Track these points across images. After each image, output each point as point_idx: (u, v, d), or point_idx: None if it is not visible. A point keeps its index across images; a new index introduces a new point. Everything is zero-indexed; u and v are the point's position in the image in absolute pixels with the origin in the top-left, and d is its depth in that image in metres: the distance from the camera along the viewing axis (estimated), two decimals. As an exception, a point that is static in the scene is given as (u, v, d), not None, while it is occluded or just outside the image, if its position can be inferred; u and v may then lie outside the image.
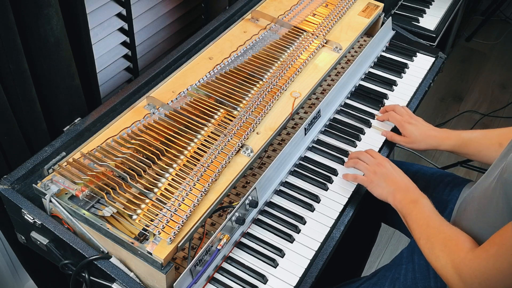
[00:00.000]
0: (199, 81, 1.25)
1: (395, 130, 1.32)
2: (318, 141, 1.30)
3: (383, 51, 1.58)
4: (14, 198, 0.99)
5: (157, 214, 0.95)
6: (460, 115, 2.71)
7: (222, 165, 1.07)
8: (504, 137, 1.14)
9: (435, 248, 0.96)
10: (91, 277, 0.95)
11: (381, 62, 1.54)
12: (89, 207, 0.99)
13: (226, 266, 1.04)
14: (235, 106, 1.19)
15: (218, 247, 0.99)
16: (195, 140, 1.11)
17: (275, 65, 1.32)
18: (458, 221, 1.08)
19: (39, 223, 0.98)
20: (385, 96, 1.43)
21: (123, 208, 0.96)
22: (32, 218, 0.98)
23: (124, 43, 1.48)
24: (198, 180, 1.03)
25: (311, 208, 1.15)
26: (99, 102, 1.37)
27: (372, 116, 1.37)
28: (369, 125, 1.35)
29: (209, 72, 1.28)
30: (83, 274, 0.95)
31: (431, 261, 0.97)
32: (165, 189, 1.00)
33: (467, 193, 1.10)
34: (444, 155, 2.49)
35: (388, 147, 1.32)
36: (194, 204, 0.98)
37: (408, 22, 1.84)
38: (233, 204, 1.14)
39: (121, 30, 1.45)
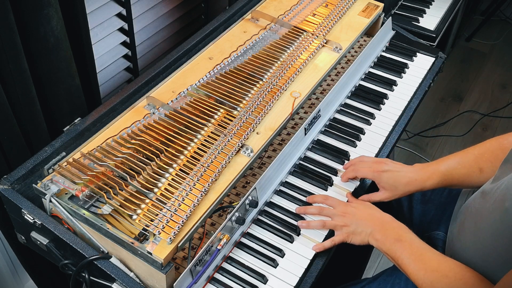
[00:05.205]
0: (199, 81, 1.25)
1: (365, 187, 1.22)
2: (318, 141, 1.30)
3: (383, 51, 1.58)
4: (14, 198, 0.99)
5: (157, 214, 0.95)
6: (460, 115, 2.71)
7: (222, 165, 1.06)
8: (481, 160, 1.09)
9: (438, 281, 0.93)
10: (91, 277, 0.95)
11: (381, 62, 1.54)
12: (89, 207, 0.99)
13: (226, 266, 1.04)
14: (235, 106, 1.19)
15: (218, 247, 0.99)
16: (195, 140, 1.11)
17: (275, 65, 1.32)
18: (457, 234, 1.06)
19: (39, 223, 0.98)
20: (385, 96, 1.43)
21: (123, 208, 0.96)
22: (32, 218, 0.98)
23: (124, 43, 1.48)
24: (198, 180, 1.03)
25: (311, 208, 1.15)
26: (99, 102, 1.37)
27: (373, 116, 1.37)
28: (369, 124, 1.35)
29: (209, 72, 1.27)
30: (83, 274, 0.95)
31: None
32: (165, 189, 1.00)
33: (463, 205, 1.08)
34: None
35: (388, 147, 1.31)
36: (194, 204, 0.98)
37: (408, 22, 1.84)
38: (233, 204, 1.14)
39: (121, 30, 1.45)
